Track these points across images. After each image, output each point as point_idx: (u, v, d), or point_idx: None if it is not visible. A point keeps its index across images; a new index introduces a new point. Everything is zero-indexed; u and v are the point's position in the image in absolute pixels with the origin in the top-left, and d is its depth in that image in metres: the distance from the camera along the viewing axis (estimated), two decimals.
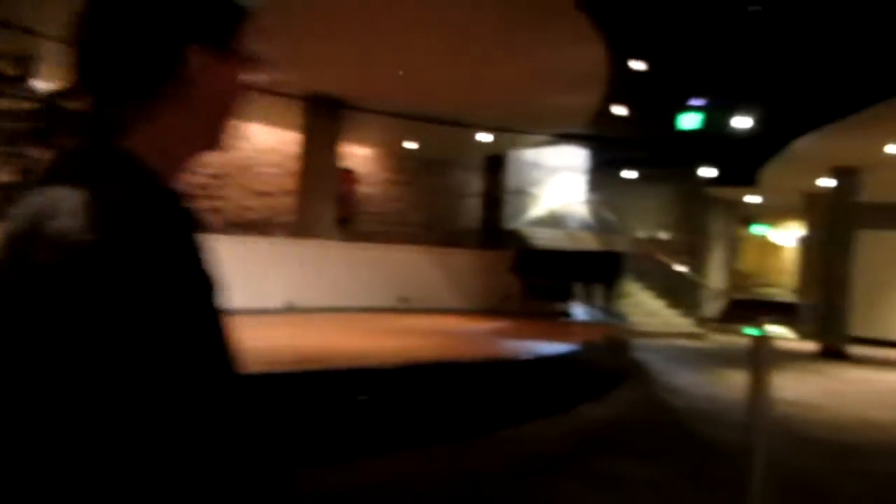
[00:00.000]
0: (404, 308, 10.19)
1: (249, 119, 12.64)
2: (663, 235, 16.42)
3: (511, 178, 18.18)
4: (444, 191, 17.40)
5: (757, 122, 10.05)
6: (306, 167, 10.01)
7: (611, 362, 7.44)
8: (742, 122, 9.99)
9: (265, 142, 12.96)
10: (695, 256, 16.40)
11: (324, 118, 9.88)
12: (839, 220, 11.81)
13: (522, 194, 17.26)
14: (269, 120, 12.18)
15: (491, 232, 16.19)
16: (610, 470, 4.29)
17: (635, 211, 17.02)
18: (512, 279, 10.01)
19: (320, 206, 9.92)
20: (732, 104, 9.95)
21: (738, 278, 21.26)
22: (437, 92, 9.61)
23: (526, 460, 4.45)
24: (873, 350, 12.79)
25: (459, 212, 17.77)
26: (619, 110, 9.79)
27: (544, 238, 15.37)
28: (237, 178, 12.93)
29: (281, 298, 9.28)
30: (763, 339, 3.66)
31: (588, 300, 9.95)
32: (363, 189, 15.41)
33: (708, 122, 10.90)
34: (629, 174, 16.03)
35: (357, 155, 15.31)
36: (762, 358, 3.58)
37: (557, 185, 19.79)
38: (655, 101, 10.64)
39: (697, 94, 10.40)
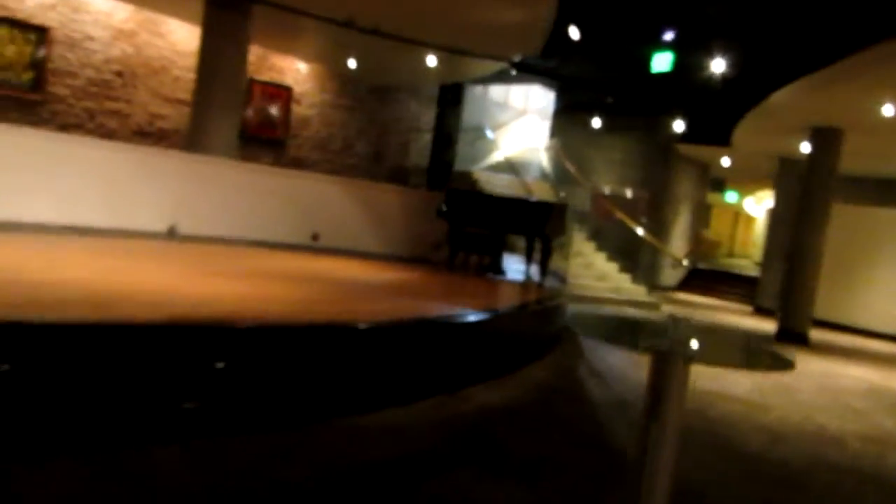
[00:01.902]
0: (313, 247, 8.82)
1: (161, 10, 10.85)
2: (627, 193, 15.13)
3: (471, 117, 16.66)
4: (395, 122, 15.82)
5: (732, 67, 8.65)
6: (204, 70, 8.39)
7: (530, 333, 6.19)
8: (716, 65, 8.58)
9: (186, 42, 11.21)
10: (658, 219, 15.18)
11: (227, 11, 8.22)
12: (813, 189, 10.60)
13: (480, 135, 15.76)
14: (186, 15, 10.45)
15: (440, 172, 14.74)
16: (463, 496, 3.04)
17: (598, 163, 15.67)
18: (441, 225, 8.67)
19: (220, 117, 8.36)
20: (707, 43, 8.51)
21: (703, 246, 20.22)
22: None
23: (352, 468, 3.18)
24: (837, 336, 11.81)
25: (411, 147, 16.26)
26: (575, 34, 8.29)
27: (500, 185, 13.98)
28: (148, 81, 11.22)
29: (161, 222, 7.83)
30: (671, 363, 2.38)
31: (528, 257, 8.67)
32: (300, 110, 13.78)
33: (679, 63, 9.47)
34: (595, 121, 14.60)
35: (294, 70, 13.61)
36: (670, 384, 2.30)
37: (521, 128, 18.30)
38: (620, 31, 9.16)
39: (668, 25, 8.93)
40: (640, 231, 13.00)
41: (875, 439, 5.18)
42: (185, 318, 3.70)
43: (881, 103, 8.21)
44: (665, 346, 2.64)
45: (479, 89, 17.56)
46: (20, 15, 9.76)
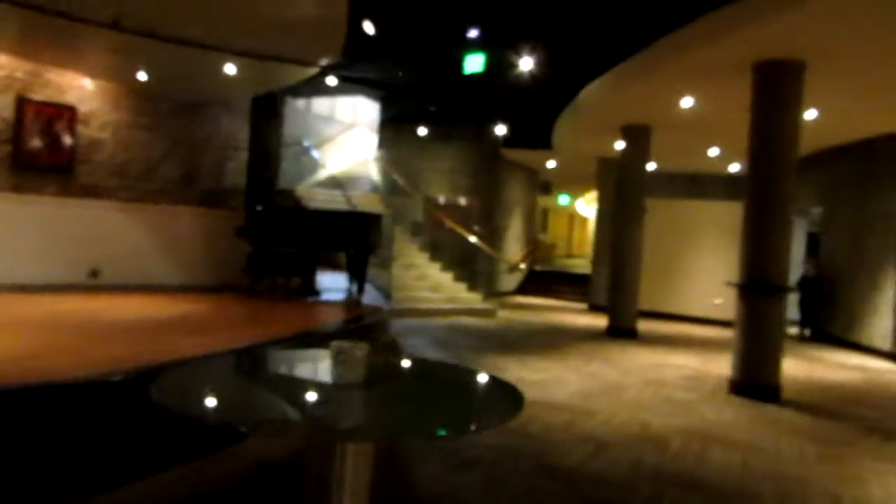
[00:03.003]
0: (92, 285, 7.54)
1: None
2: (459, 200, 14.92)
3: (293, 132, 15.74)
4: (206, 141, 14.52)
5: (542, 67, 8.54)
6: None
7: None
8: (525, 64, 8.41)
9: None
10: (490, 225, 15.09)
11: None
12: (627, 186, 10.84)
13: (304, 151, 14.89)
14: None
15: (259, 192, 13.68)
16: None
17: (428, 173, 15.33)
18: (244, 246, 7.74)
19: None
20: (515, 42, 8.32)
21: (538, 250, 20.58)
22: None
23: None
24: (663, 326, 12.17)
25: (227, 167, 15.01)
26: (370, 29, 7.76)
27: (326, 200, 13.19)
28: None
29: None
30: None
31: (350, 273, 7.94)
32: (88, 132, 12.17)
33: (490, 64, 9.24)
34: (421, 131, 14.25)
35: (78, 87, 12.01)
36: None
37: (350, 142, 17.64)
38: (425, 30, 8.77)
39: (474, 24, 8.66)
40: (472, 239, 12.74)
41: (697, 433, 4.98)
42: None
43: (680, 96, 8.41)
44: (319, 413, 1.87)
45: (300, 103, 16.68)
46: None
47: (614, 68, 7.80)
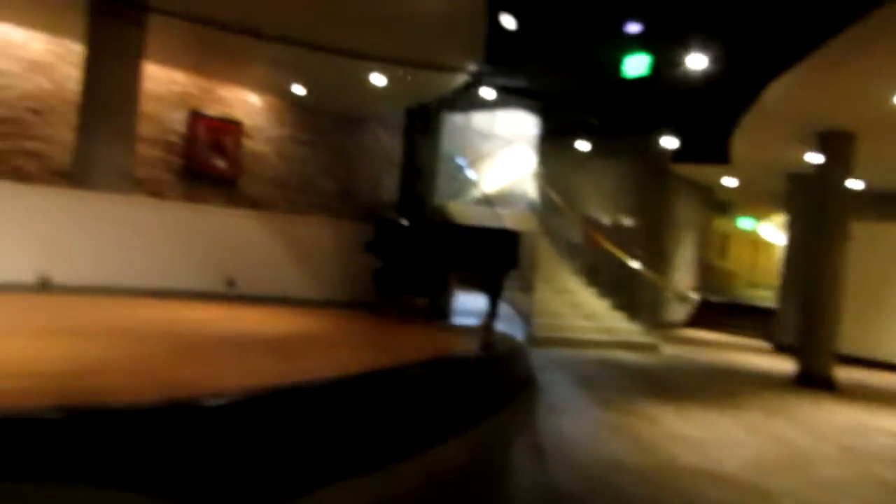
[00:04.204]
0: (228, 295, 7.46)
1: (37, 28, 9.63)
2: (622, 221, 13.65)
3: (452, 147, 15.42)
4: (365, 155, 14.58)
5: (716, 64, 7.25)
6: (89, 91, 7.18)
7: (448, 395, 4.70)
8: (695, 61, 7.18)
9: None
10: (657, 249, 13.63)
11: (115, 21, 7.04)
12: (825, 206, 9.03)
13: (459, 166, 14.47)
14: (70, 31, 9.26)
15: (410, 207, 13.40)
16: None
17: (589, 191, 14.24)
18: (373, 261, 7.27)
19: (107, 146, 7.11)
20: (681, 35, 7.13)
21: (713, 277, 18.53)
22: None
23: None
24: (869, 375, 10.07)
25: (384, 182, 14.97)
26: (511, 23, 6.97)
27: (481, 218, 12.61)
28: (68, 117, 10.08)
29: (30, 270, 6.55)
30: None
31: (488, 294, 7.18)
32: (253, 145, 12.60)
33: (654, 64, 8.08)
34: (581, 145, 13.23)
35: (244, 103, 12.47)
36: None
37: (508, 158, 17.00)
38: (576, 30, 7.83)
39: (632, 17, 7.56)
40: (635, 263, 11.47)
41: None
42: None
43: (893, 92, 6.74)
44: None
45: (459, 118, 16.37)
46: None
47: (809, 55, 6.33)
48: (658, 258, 13.42)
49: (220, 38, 8.28)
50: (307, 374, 3.81)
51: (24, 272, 6.52)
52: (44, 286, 6.56)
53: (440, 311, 6.88)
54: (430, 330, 6.42)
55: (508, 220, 11.65)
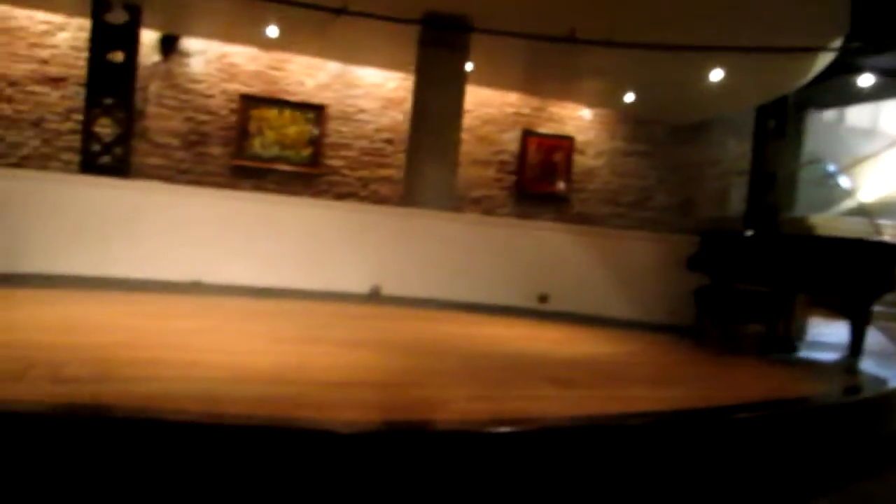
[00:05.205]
0: (539, 311, 7.23)
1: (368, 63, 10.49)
2: None
3: (817, 150, 13.07)
4: (708, 165, 13.15)
5: None
6: (416, 116, 7.64)
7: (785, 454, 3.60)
8: None
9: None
10: None
11: (439, 49, 7.38)
12: None
13: (824, 172, 12.11)
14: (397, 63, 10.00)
15: (760, 220, 11.58)
16: None
17: None
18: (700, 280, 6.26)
19: (430, 167, 7.47)
20: None
21: None
22: None
23: None
24: None
25: (732, 194, 13.31)
26: None
27: (852, 233, 10.32)
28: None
29: (364, 283, 7.22)
30: None
31: (852, 325, 5.66)
32: (583, 160, 12.28)
33: None
34: None
35: (576, 118, 12.25)
36: None
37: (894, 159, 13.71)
38: None
39: None
40: None
41: None
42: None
43: None
44: None
45: (828, 114, 13.81)
46: (301, 97, 10.51)
47: None
48: None
49: (545, 51, 8.16)
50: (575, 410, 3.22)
51: (360, 284, 7.17)
52: (373, 296, 7.13)
53: (781, 340, 5.55)
54: (762, 363, 5.20)
55: (890, 233, 9.21)
